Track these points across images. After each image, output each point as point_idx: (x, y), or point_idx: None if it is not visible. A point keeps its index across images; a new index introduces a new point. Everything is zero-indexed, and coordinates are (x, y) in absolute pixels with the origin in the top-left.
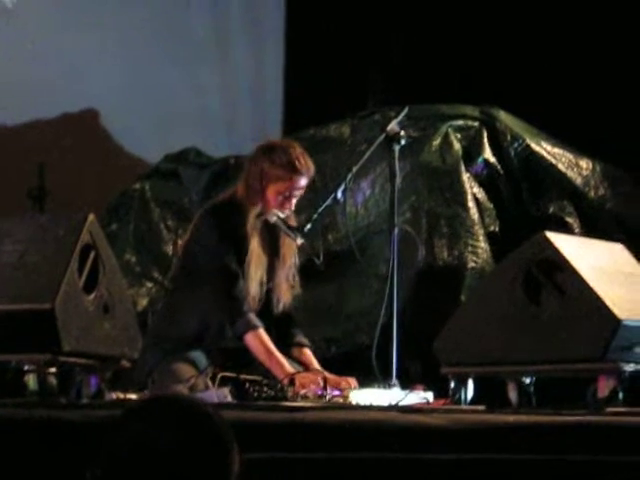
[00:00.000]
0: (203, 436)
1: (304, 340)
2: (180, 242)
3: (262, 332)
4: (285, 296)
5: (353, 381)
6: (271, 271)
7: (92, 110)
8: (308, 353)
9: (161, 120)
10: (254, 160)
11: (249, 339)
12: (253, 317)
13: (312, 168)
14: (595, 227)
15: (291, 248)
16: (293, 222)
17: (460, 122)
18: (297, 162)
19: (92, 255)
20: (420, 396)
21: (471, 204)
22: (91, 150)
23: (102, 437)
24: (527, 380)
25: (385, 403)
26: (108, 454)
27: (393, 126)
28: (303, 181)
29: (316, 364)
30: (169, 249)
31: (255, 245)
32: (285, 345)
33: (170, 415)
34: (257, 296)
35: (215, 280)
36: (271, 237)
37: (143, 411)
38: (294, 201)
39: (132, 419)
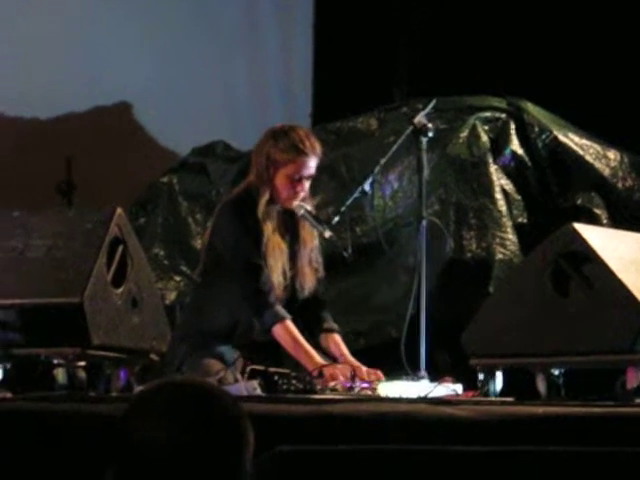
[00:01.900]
0: (212, 423)
1: (333, 325)
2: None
3: (290, 323)
4: (309, 281)
5: (379, 373)
6: (293, 257)
7: (123, 103)
8: (337, 340)
9: (190, 113)
10: (260, 148)
11: (277, 331)
12: (280, 309)
13: (318, 148)
14: (623, 218)
15: (311, 232)
16: (310, 207)
17: (487, 114)
18: (301, 144)
19: (120, 249)
20: (449, 388)
21: (499, 196)
22: (119, 143)
23: (112, 432)
24: (556, 372)
25: (414, 395)
26: (119, 449)
27: (420, 118)
28: (311, 162)
29: (345, 351)
30: (197, 243)
31: (270, 234)
32: (313, 331)
33: (176, 404)
34: (282, 284)
35: (239, 275)
36: (289, 223)
37: (149, 402)
38: (306, 184)
39: (138, 411)
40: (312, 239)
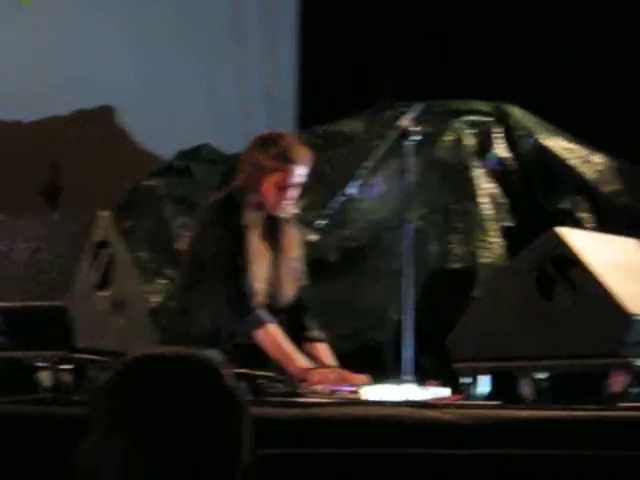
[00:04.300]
0: (209, 398)
1: (317, 334)
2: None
3: (272, 327)
4: (289, 289)
5: (366, 378)
6: (275, 265)
7: (106, 107)
8: (322, 348)
9: (175, 116)
10: (247, 155)
11: (259, 335)
12: (263, 312)
13: (308, 156)
14: (608, 222)
15: (294, 240)
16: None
17: (473, 118)
18: (289, 152)
19: (105, 252)
20: (434, 392)
21: (484, 199)
22: (105, 147)
23: (100, 394)
24: (541, 376)
25: (399, 399)
26: (106, 411)
27: (406, 122)
28: (300, 170)
29: (330, 358)
30: (182, 246)
31: (255, 240)
32: (298, 339)
33: (171, 372)
34: (264, 292)
35: (221, 278)
36: (273, 230)
37: (141, 368)
38: (294, 192)
39: (126, 377)
40: (295, 248)
